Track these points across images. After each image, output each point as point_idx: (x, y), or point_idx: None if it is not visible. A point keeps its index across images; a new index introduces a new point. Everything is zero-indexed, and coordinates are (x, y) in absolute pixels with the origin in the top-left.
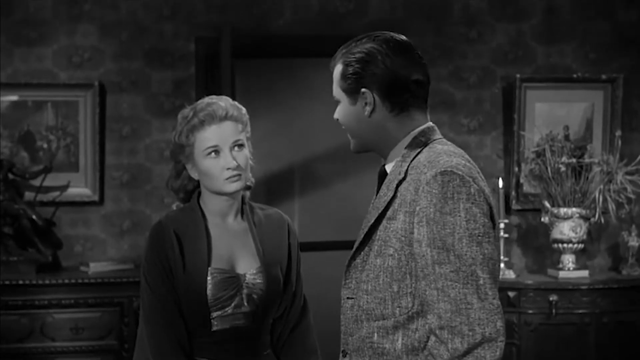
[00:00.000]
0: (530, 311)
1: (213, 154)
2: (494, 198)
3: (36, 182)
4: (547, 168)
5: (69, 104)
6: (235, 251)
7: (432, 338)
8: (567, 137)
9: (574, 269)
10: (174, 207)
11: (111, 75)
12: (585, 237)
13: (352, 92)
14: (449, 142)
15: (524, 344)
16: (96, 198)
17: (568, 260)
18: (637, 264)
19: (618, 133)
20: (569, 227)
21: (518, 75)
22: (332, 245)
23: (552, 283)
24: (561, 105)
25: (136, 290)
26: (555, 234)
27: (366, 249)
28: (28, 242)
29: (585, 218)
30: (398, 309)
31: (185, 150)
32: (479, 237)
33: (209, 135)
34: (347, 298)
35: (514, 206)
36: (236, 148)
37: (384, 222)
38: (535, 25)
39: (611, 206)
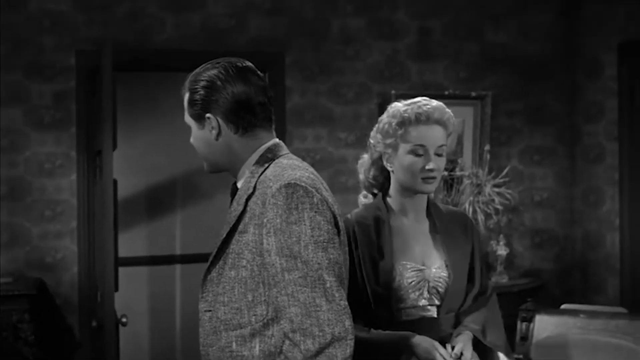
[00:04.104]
0: None
1: (419, 152)
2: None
3: None
4: None
5: None
6: (418, 246)
7: (287, 342)
8: None
9: None
10: (361, 199)
11: None
12: None
13: (199, 117)
14: (294, 157)
15: None
16: None
17: None
18: (505, 272)
19: (487, 148)
20: None
21: (393, 92)
22: None
23: None
24: None
25: (15, 304)
26: None
27: (221, 262)
28: None
29: None
30: (254, 317)
31: (389, 140)
32: (324, 244)
33: (419, 134)
34: (205, 311)
35: None
36: (439, 152)
37: (236, 235)
38: (409, 44)
39: (480, 217)
